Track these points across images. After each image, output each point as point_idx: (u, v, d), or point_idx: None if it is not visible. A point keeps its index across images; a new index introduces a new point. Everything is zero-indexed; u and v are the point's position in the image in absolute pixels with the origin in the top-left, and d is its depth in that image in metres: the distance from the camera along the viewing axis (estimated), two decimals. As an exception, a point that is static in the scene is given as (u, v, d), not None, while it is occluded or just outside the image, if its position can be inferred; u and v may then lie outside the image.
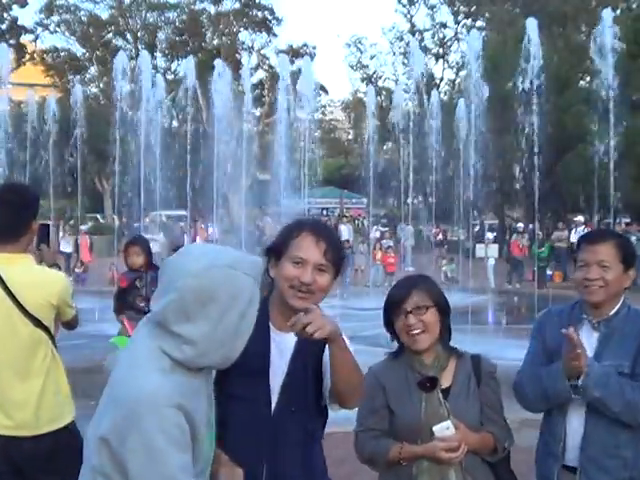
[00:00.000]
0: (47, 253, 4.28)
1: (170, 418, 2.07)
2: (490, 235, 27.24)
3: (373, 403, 3.02)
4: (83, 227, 29.26)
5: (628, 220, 32.20)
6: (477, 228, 33.29)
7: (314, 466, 2.69)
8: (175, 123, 30.54)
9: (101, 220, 39.85)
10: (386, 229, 35.00)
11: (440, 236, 34.53)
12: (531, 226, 31.28)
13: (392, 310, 3.04)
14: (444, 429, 2.87)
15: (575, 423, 3.06)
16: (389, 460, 2.96)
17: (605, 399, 2.95)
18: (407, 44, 50.57)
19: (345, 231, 28.27)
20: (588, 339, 3.06)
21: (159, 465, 2.05)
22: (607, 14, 20.36)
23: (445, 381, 3.00)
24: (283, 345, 2.66)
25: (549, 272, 23.06)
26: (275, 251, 2.65)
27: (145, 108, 21.13)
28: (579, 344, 2.90)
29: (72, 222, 30.27)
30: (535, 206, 15.75)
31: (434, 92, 28.92)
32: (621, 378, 2.97)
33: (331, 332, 2.48)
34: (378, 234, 32.80)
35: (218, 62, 22.27)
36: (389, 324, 3.09)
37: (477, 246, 29.35)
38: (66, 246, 26.97)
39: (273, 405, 2.62)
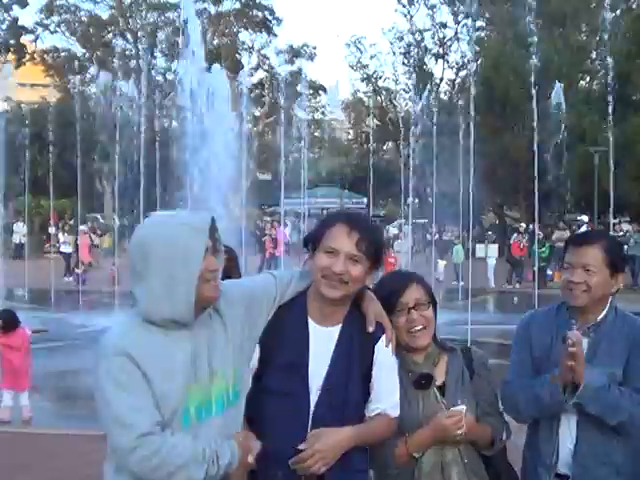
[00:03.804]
0: None
1: (115, 364, 2.28)
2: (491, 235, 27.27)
3: None
4: (83, 227, 29.13)
5: (628, 220, 32.20)
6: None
7: (352, 465, 2.62)
8: (175, 123, 30.54)
9: (101, 220, 39.74)
10: None
11: (436, 236, 34.49)
12: (531, 226, 31.32)
13: (387, 308, 2.84)
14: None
15: (567, 432, 3.00)
16: (399, 458, 2.87)
17: (601, 415, 2.88)
18: (407, 44, 50.59)
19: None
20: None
21: (109, 407, 2.28)
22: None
23: (439, 377, 2.96)
24: (325, 339, 2.64)
25: (549, 272, 23.03)
26: (312, 242, 2.66)
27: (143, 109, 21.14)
28: (580, 352, 2.79)
29: (72, 222, 30.22)
30: (535, 206, 15.69)
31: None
32: (618, 390, 2.88)
33: (335, 458, 2.53)
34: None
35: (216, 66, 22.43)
36: None
37: (477, 246, 29.33)
38: (66, 246, 26.95)
39: (314, 400, 2.59)
